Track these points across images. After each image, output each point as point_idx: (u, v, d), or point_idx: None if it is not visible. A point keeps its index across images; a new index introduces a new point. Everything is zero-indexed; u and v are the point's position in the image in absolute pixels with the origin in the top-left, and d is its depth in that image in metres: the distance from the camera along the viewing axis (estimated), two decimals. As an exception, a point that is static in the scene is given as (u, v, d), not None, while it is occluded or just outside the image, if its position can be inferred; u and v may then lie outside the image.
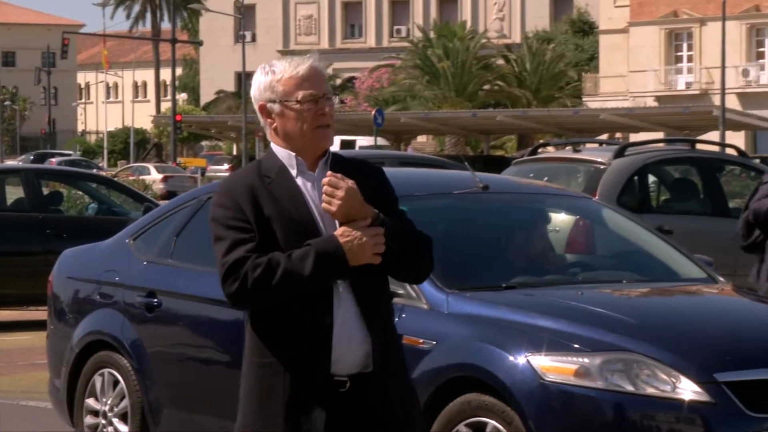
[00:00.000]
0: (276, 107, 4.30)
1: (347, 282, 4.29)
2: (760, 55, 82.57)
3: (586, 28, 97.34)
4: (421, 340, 7.97)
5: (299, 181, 4.31)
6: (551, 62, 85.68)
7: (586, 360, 7.39)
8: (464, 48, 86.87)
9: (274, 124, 4.35)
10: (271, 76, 4.34)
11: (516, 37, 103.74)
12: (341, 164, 4.40)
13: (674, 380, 7.04)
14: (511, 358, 7.67)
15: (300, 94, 4.26)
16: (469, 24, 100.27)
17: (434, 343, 8.01)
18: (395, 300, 6.47)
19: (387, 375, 4.32)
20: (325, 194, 4.23)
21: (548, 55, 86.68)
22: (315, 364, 4.19)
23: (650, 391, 7.10)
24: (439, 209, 9.58)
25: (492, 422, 7.64)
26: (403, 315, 7.92)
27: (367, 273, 4.31)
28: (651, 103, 79.30)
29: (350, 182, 4.17)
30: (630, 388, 7.09)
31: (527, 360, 7.51)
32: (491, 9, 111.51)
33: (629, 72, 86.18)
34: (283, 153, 4.35)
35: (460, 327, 8.13)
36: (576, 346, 7.56)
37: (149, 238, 10.32)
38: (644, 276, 9.48)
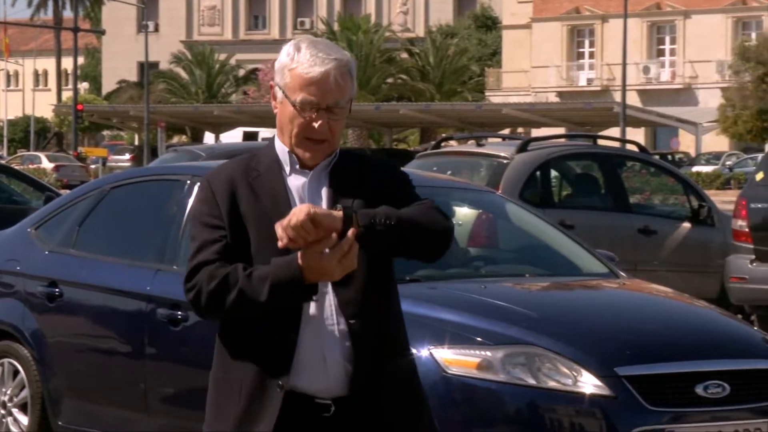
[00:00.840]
0: (280, 94, 3.90)
1: (331, 291, 3.86)
2: (661, 53, 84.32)
3: (490, 24, 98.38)
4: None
5: (291, 179, 3.90)
6: (454, 57, 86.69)
7: (488, 353, 7.43)
8: (368, 41, 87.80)
9: (276, 110, 3.96)
10: (288, 60, 3.87)
11: (420, 31, 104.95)
12: (348, 166, 3.96)
13: (575, 374, 7.09)
14: (414, 351, 7.48)
15: (300, 97, 3.81)
16: (373, 17, 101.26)
17: None
18: None
19: (376, 401, 3.87)
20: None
21: (451, 49, 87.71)
22: (271, 383, 3.81)
23: (552, 384, 7.14)
24: (343, 202, 9.10)
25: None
26: None
27: (356, 282, 3.87)
28: (553, 98, 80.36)
29: (302, 207, 3.68)
30: (532, 381, 7.13)
31: (430, 353, 7.54)
32: (395, 3, 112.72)
33: (531, 67, 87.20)
34: (280, 146, 3.95)
35: None
36: (479, 339, 7.62)
37: (51, 227, 10.19)
38: (547, 270, 9.58)
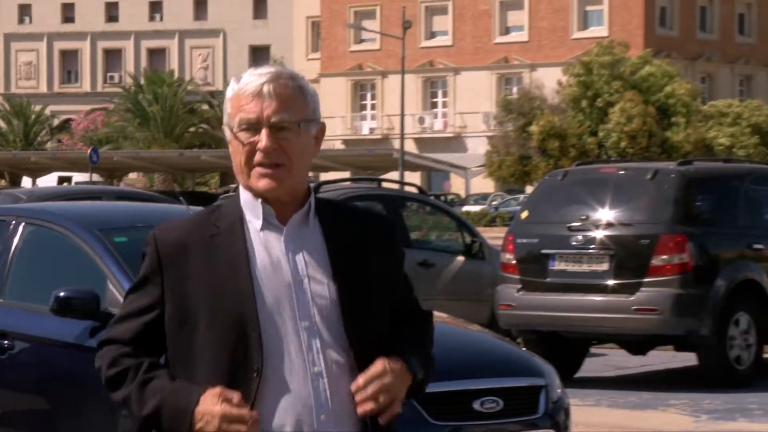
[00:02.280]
0: (227, 133, 2.98)
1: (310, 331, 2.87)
2: (434, 105, 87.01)
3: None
4: None
5: (261, 236, 2.89)
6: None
7: None
8: (172, 94, 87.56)
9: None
10: (230, 91, 2.97)
11: (219, 85, 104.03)
12: (330, 214, 3.01)
13: None
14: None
15: (237, 119, 2.89)
16: (176, 72, 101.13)
17: None
18: None
19: None
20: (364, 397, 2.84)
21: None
22: None
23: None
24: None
25: None
26: None
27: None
28: (339, 145, 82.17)
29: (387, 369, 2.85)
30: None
31: None
32: (196, 59, 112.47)
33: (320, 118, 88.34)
34: (246, 196, 2.95)
35: None
36: None
37: None
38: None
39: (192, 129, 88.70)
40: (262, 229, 2.82)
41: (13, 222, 9.60)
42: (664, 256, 14.51)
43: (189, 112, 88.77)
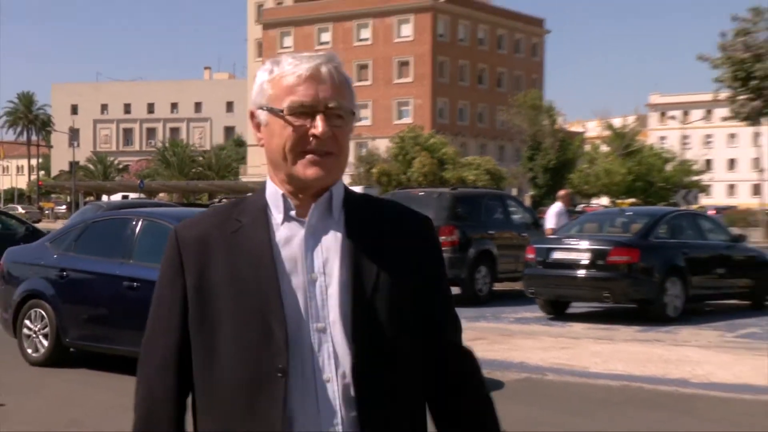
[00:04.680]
0: (263, 116, 2.04)
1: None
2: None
3: None
4: None
5: (283, 231, 2.03)
6: None
7: None
8: (182, 152, 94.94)
9: (262, 141, 2.07)
10: (267, 74, 2.05)
11: (207, 146, 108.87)
12: (360, 209, 2.08)
13: None
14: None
15: (288, 101, 1.98)
16: (185, 140, 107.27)
17: None
18: None
19: None
20: None
21: None
22: None
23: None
24: None
25: None
26: None
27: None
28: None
29: None
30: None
31: None
32: (195, 132, 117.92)
33: None
34: (271, 189, 2.07)
35: None
36: None
37: (58, 242, 11.05)
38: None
39: (193, 170, 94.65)
40: (283, 222, 2.04)
41: (135, 219, 10.62)
42: (443, 237, 16.13)
43: (191, 161, 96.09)
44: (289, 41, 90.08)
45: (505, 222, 19.04)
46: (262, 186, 2.12)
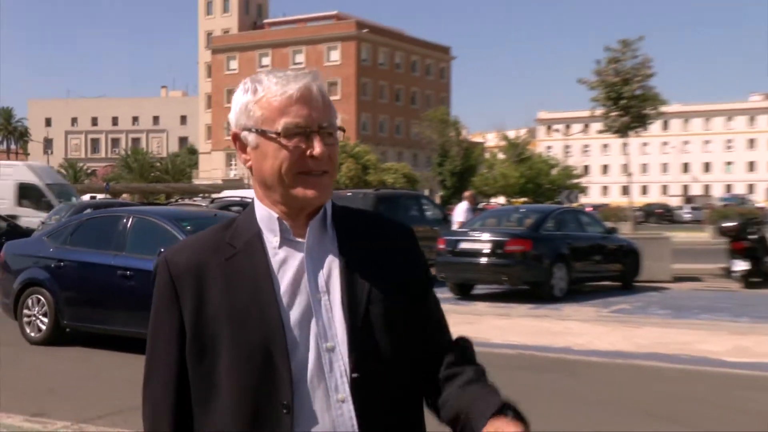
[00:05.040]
0: (251, 138, 1.70)
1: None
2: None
3: None
4: None
5: (280, 254, 1.70)
6: None
7: None
8: (142, 158, 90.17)
9: (250, 162, 1.72)
10: (250, 94, 1.70)
11: (164, 154, 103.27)
12: (348, 222, 1.78)
13: None
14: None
15: (282, 123, 1.65)
16: (146, 149, 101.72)
17: None
18: None
19: None
20: None
21: None
22: None
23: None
24: None
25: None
26: None
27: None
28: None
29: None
30: None
31: None
32: (154, 142, 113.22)
33: None
34: (262, 212, 1.74)
35: None
36: None
37: (54, 237, 10.66)
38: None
39: (152, 174, 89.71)
40: (280, 246, 1.70)
41: (127, 216, 10.22)
42: None
43: (150, 167, 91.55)
44: (234, 64, 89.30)
45: (420, 218, 18.77)
46: (248, 208, 1.78)
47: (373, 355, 1.67)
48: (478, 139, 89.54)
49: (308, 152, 1.66)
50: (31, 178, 28.97)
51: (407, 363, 1.73)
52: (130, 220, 10.11)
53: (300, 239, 1.71)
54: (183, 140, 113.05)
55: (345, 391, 1.64)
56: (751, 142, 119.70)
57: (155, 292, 1.75)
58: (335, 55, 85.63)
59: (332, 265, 1.70)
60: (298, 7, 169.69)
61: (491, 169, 63.90)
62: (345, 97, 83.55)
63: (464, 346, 1.83)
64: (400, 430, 1.73)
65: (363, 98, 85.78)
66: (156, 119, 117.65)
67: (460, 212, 18.06)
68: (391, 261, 1.76)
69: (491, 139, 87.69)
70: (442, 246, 15.43)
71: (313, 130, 1.66)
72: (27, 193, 28.35)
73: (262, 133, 1.67)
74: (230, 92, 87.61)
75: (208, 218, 10.15)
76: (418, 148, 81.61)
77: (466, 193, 19.44)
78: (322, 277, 1.69)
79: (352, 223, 1.77)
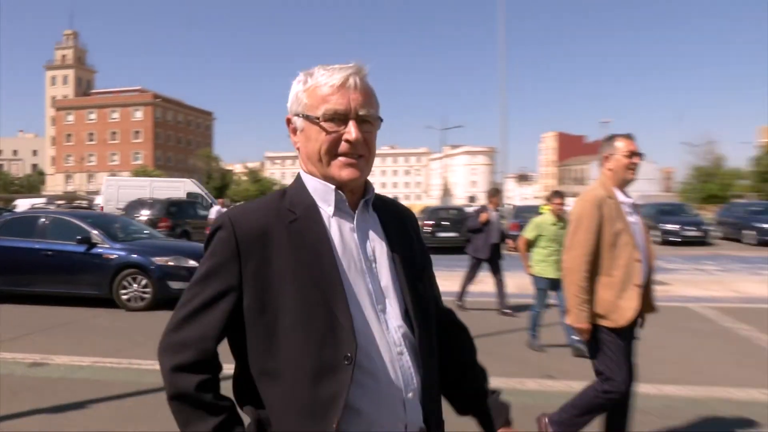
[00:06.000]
0: (299, 122, 1.98)
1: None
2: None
3: None
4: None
5: (333, 222, 1.95)
6: None
7: None
8: None
9: (298, 144, 2.00)
10: (302, 85, 1.98)
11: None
12: (383, 206, 2.11)
13: None
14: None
15: (323, 109, 1.92)
16: None
17: None
18: None
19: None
20: None
21: None
22: None
23: None
24: None
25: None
26: None
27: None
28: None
29: None
30: None
31: None
32: None
33: None
34: (315, 184, 1.97)
35: None
36: None
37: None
38: None
39: (12, 189, 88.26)
40: (334, 215, 1.94)
41: (44, 216, 10.60)
42: (162, 224, 15.88)
43: (11, 184, 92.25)
44: (71, 118, 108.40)
45: (195, 214, 22.06)
46: (297, 182, 1.95)
47: (418, 312, 1.95)
48: (230, 167, 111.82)
49: (344, 137, 1.92)
50: None
51: (435, 319, 2.06)
52: (48, 217, 10.82)
53: (350, 212, 1.97)
54: (35, 166, 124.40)
55: (401, 344, 1.90)
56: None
57: (214, 246, 1.88)
58: (139, 114, 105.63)
59: (377, 238, 1.99)
60: (114, 83, 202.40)
61: (238, 186, 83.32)
62: (145, 141, 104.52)
63: (450, 309, 2.20)
64: (438, 374, 2.04)
65: (158, 141, 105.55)
66: (15, 152, 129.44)
67: (213, 212, 20.43)
68: (414, 236, 2.09)
69: (238, 168, 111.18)
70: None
71: (351, 116, 1.92)
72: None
73: (306, 118, 1.95)
74: (69, 136, 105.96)
75: (100, 215, 11.70)
76: (193, 172, 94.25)
77: (220, 200, 22.84)
78: (369, 246, 1.97)
79: (382, 204, 2.08)
